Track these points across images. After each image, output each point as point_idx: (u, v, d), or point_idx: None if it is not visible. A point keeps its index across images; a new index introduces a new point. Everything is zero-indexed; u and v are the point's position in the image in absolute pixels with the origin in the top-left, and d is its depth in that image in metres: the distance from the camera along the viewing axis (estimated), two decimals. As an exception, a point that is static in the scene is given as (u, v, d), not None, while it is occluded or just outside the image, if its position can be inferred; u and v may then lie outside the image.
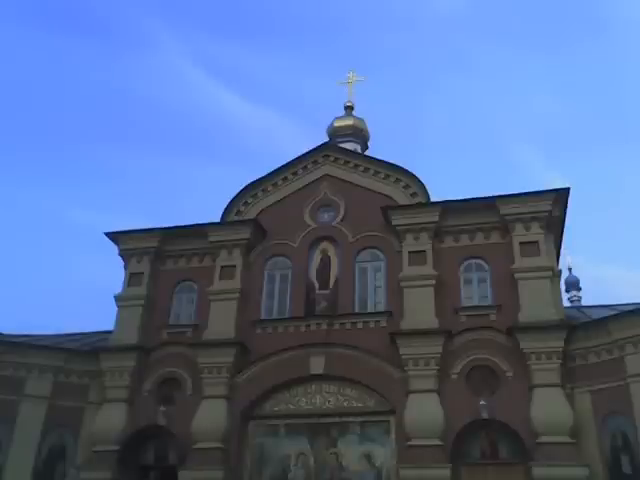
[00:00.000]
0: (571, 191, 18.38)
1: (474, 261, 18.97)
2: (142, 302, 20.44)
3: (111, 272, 58.79)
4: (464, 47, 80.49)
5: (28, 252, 64.64)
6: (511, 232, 18.54)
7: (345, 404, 18.15)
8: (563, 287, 37.31)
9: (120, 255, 21.62)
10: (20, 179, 67.39)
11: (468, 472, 16.40)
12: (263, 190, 21.74)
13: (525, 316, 17.19)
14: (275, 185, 21.76)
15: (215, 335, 19.12)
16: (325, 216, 20.98)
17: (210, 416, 18.09)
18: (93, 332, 22.52)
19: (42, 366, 19.34)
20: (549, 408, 16.01)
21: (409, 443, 16.66)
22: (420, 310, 17.97)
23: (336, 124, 27.37)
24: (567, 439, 15.74)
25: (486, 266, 18.83)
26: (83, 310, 56.32)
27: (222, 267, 20.30)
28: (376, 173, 20.96)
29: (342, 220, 20.58)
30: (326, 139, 25.89)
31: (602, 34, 73.92)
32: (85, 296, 61.36)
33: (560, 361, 16.57)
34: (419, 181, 20.42)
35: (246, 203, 21.59)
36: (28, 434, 18.52)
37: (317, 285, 20.13)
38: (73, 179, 71.52)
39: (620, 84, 73.35)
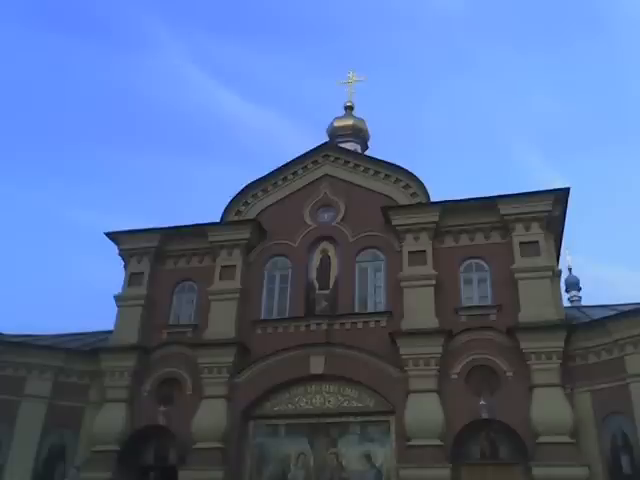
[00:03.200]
0: (571, 191, 18.43)
1: (474, 261, 18.97)
2: (142, 302, 20.44)
3: (111, 272, 58.89)
4: (464, 47, 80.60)
5: (28, 252, 64.73)
6: (511, 232, 18.55)
7: (345, 404, 18.14)
8: (563, 287, 37.37)
9: (120, 255, 21.63)
10: (20, 179, 67.55)
11: (468, 472, 16.39)
12: (263, 190, 21.74)
13: (525, 316, 17.18)
14: (275, 185, 21.76)
15: (215, 335, 19.12)
16: (325, 216, 20.98)
17: (210, 416, 18.08)
18: (93, 332, 22.51)
19: (42, 366, 19.34)
20: (549, 408, 16.00)
21: (409, 443, 16.66)
22: (420, 310, 17.97)
23: (336, 124, 27.36)
24: (567, 439, 15.73)
25: (486, 266, 18.83)
26: (83, 310, 56.39)
27: (222, 267, 20.30)
28: (376, 173, 20.96)
29: (342, 220, 20.57)
30: (326, 139, 25.84)
31: (601, 34, 74.18)
32: (85, 296, 61.44)
33: (560, 361, 16.57)
34: (419, 181, 20.43)
35: (246, 203, 21.58)
36: (28, 434, 18.51)
37: (317, 285, 20.12)
38: (73, 179, 71.69)
39: (620, 84, 73.55)
